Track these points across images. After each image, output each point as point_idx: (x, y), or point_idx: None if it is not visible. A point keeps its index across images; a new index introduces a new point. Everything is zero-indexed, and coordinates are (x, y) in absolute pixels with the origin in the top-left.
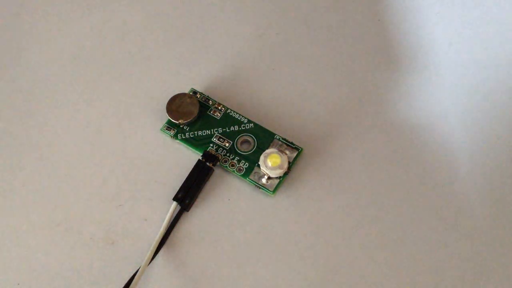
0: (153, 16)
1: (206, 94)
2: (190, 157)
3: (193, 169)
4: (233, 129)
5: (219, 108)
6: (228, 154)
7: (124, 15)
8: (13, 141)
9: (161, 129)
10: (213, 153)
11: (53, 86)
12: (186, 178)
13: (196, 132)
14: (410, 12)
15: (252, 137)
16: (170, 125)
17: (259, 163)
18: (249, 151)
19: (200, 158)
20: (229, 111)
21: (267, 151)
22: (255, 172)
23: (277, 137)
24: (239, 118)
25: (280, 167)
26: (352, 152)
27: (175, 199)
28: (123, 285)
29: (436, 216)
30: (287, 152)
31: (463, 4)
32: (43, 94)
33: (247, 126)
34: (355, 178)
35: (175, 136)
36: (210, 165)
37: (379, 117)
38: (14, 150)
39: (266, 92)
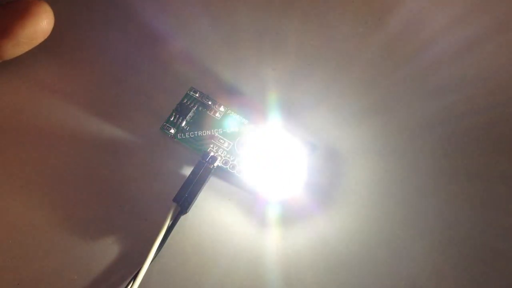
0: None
1: (206, 94)
2: (190, 157)
3: (193, 169)
4: (233, 129)
5: (219, 108)
6: (228, 155)
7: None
8: (13, 141)
9: (160, 128)
10: (213, 154)
11: (54, 85)
12: (186, 179)
13: (196, 132)
14: (410, 12)
15: None
16: (170, 124)
17: None
18: None
19: (200, 158)
20: (229, 111)
21: None
22: None
23: None
24: (239, 118)
25: None
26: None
27: (175, 199)
28: (123, 286)
29: (437, 216)
30: None
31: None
32: (43, 93)
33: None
34: (355, 180)
35: (175, 136)
36: (210, 165)
37: (379, 117)
38: (14, 150)
39: (266, 92)
